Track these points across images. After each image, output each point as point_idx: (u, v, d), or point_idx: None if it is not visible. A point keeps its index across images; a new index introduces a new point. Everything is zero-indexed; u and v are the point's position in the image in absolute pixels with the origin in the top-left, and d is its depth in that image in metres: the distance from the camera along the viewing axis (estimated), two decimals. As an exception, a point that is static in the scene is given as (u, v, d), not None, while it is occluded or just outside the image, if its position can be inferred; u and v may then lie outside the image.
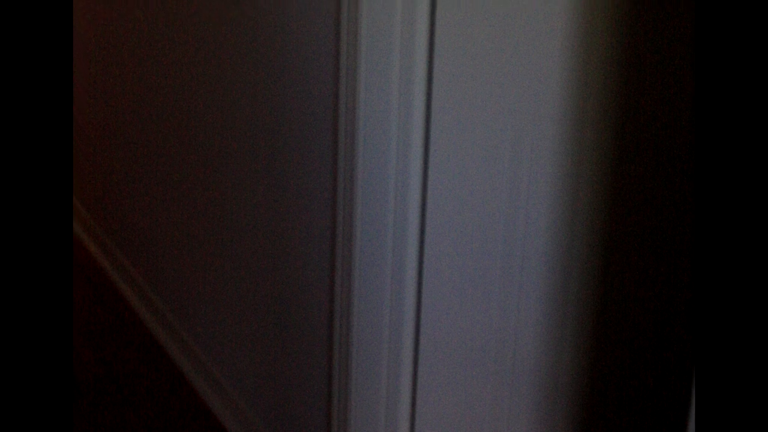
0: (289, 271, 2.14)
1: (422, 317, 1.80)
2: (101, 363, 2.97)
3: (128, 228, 3.25)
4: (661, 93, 1.71)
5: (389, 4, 1.68)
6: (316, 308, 2.04)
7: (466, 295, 1.77)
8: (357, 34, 1.73)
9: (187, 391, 2.82)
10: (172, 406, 2.74)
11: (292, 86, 2.00)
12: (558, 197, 1.67)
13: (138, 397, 2.79)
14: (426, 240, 1.76)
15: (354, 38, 1.74)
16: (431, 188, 1.74)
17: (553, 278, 1.73)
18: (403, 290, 1.79)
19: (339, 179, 1.86)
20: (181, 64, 2.51)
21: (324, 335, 2.03)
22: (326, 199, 1.95)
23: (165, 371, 2.93)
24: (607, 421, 1.85)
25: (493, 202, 1.72)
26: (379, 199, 1.79)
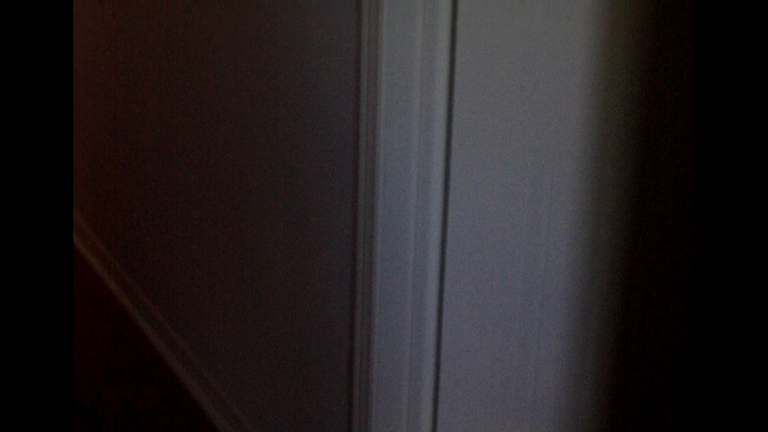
0: (310, 308, 2.15)
1: (442, 354, 1.80)
2: (122, 401, 2.98)
3: (148, 265, 3.27)
4: (681, 130, 1.72)
5: (409, 42, 1.70)
6: (336, 346, 2.05)
7: (486, 331, 1.77)
8: (377, 71, 1.75)
9: (208, 429, 2.82)
10: (192, 445, 2.75)
11: (312, 123, 2.02)
12: (578, 234, 1.68)
13: (158, 435, 2.80)
14: (446, 277, 1.77)
15: (374, 75, 1.76)
16: (451, 225, 1.76)
17: (573, 315, 1.74)
18: (424, 327, 1.80)
19: (359, 217, 1.87)
20: (201, 102, 2.54)
21: (344, 373, 2.04)
22: (346, 236, 1.96)
23: (185, 409, 2.94)
24: (628, 460, 1.85)
25: (514, 239, 1.72)
26: (399, 236, 1.80)
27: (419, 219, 1.78)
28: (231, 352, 2.66)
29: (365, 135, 1.82)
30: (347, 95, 1.88)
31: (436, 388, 1.83)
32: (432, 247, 1.78)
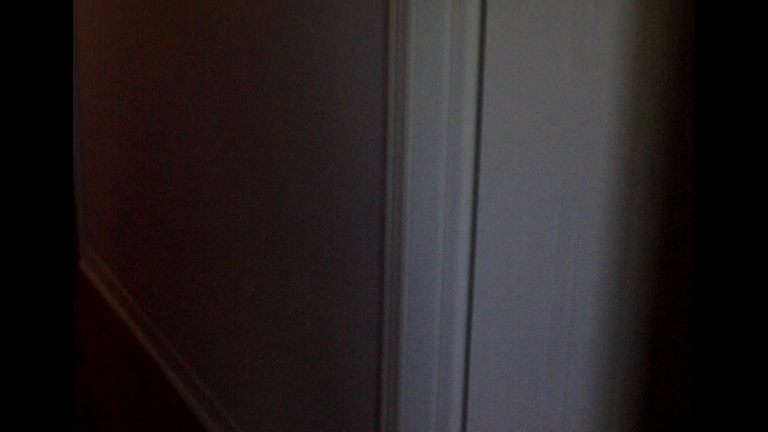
0: (336, 358, 2.16)
1: (469, 404, 1.81)
2: (147, 451, 2.99)
3: (175, 315, 3.29)
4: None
5: (436, 92, 1.72)
6: (363, 396, 2.06)
7: (512, 381, 1.78)
8: (404, 121, 1.77)
9: (233, 480, 2.83)
10: (218, 496, 2.75)
11: (339, 173, 2.03)
12: (605, 284, 1.68)
13: (183, 485, 2.80)
14: (473, 327, 1.78)
15: (401, 125, 1.78)
16: (478, 274, 1.77)
17: (600, 365, 1.74)
18: (450, 377, 1.81)
19: (386, 266, 1.89)
20: (228, 152, 2.56)
21: (371, 423, 2.04)
22: (373, 286, 1.97)
23: (211, 460, 2.94)
24: None
25: (540, 288, 1.73)
26: (426, 286, 1.81)
27: (446, 268, 1.79)
28: (258, 402, 2.66)
29: (392, 185, 1.84)
30: (374, 145, 1.90)
31: (463, 439, 1.83)
32: (459, 297, 1.79)
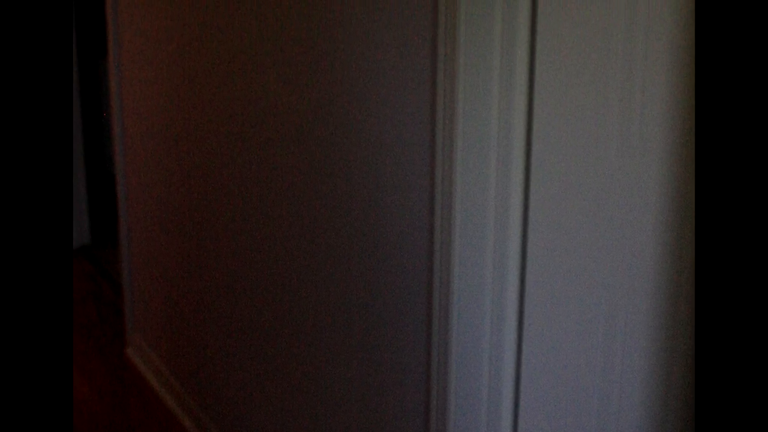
0: (383, 446, 2.17)
1: (518, 494, 1.81)
2: None
3: (222, 402, 3.30)
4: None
5: (483, 180, 1.75)
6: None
7: (561, 471, 1.78)
8: (451, 208, 1.80)
9: None
10: None
11: (385, 260, 2.06)
12: (652, 372, 1.69)
13: None
14: (520, 414, 1.79)
15: (448, 212, 1.81)
16: (525, 362, 1.78)
17: (650, 454, 1.73)
18: (498, 466, 1.81)
19: (433, 354, 1.90)
20: (275, 239, 2.59)
21: None
22: (420, 373, 1.99)
23: None
24: None
25: (588, 376, 1.74)
26: (472, 372, 1.82)
27: (493, 356, 1.80)
28: (304, 492, 2.66)
29: (439, 272, 1.86)
30: (421, 232, 1.93)
31: None
32: (506, 384, 1.81)
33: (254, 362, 2.92)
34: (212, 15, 2.81)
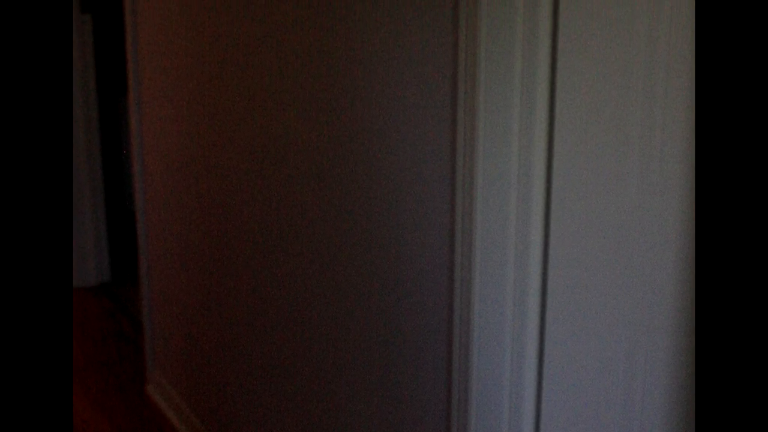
0: (404, 485, 2.17)
1: None
2: None
3: (241, 441, 3.30)
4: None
5: (503, 217, 1.76)
6: None
7: None
8: (471, 246, 1.81)
9: None
10: None
11: (405, 297, 2.07)
12: (672, 409, 1.69)
13: None
14: (542, 453, 1.79)
15: (468, 250, 1.82)
16: (545, 400, 1.78)
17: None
18: (519, 505, 1.81)
19: (453, 392, 1.91)
20: (295, 276, 2.60)
21: None
22: (440, 411, 1.99)
23: None
24: None
25: (608, 414, 1.74)
26: (493, 410, 1.83)
27: (513, 394, 1.81)
28: None
29: (459, 309, 1.87)
30: (441, 270, 1.94)
31: None
32: (526, 424, 1.81)
33: (274, 399, 2.92)
34: (232, 53, 2.84)
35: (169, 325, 3.97)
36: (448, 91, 1.86)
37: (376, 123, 2.10)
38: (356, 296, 2.29)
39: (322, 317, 2.49)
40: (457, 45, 1.81)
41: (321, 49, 2.30)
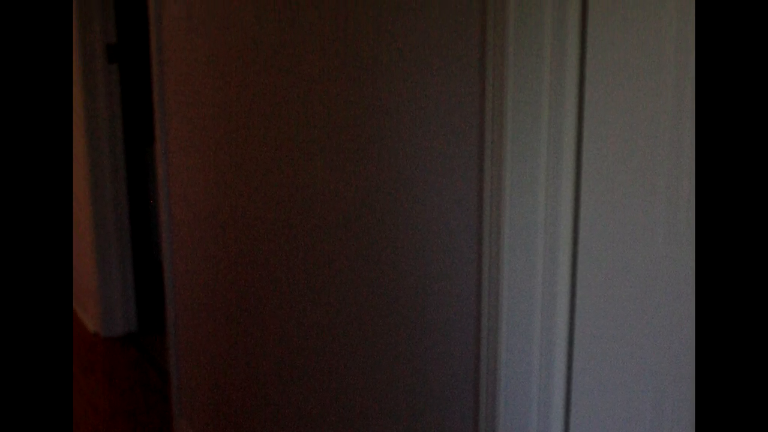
0: None
1: None
2: None
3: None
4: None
5: (530, 267, 1.77)
6: None
7: None
8: (498, 295, 1.81)
9: None
10: None
11: (432, 348, 2.07)
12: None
13: None
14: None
15: (495, 299, 1.82)
16: (574, 451, 1.78)
17: None
18: None
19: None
20: (322, 326, 2.61)
21: None
22: (468, 461, 1.99)
23: None
24: None
25: (637, 464, 1.74)
26: (521, 461, 1.83)
27: (541, 444, 1.81)
28: None
29: (486, 359, 1.87)
30: (468, 319, 1.94)
31: None
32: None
33: (300, 451, 2.92)
34: (259, 102, 2.86)
35: (195, 375, 3.98)
36: (474, 141, 1.87)
37: (403, 173, 2.12)
38: (383, 346, 2.29)
39: (349, 367, 2.49)
40: (484, 95, 1.82)
41: (347, 99, 2.33)
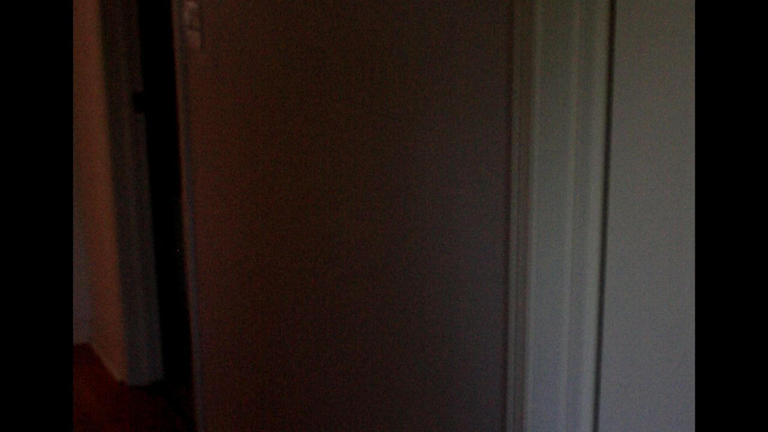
0: None
1: None
2: None
3: None
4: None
5: (556, 317, 1.77)
6: None
7: None
8: (524, 345, 1.82)
9: None
10: None
11: (459, 396, 2.08)
12: None
13: None
14: None
15: (521, 348, 1.83)
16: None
17: None
18: None
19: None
20: (348, 375, 2.62)
21: None
22: None
23: None
24: None
25: None
26: None
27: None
28: None
29: (512, 408, 1.88)
30: (494, 369, 1.95)
31: None
32: None
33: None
34: (285, 151, 2.89)
35: (222, 424, 3.99)
36: (501, 190, 1.88)
37: (429, 222, 2.13)
38: (409, 395, 2.30)
39: (375, 416, 2.50)
40: (510, 144, 1.83)
41: (373, 148, 2.34)
